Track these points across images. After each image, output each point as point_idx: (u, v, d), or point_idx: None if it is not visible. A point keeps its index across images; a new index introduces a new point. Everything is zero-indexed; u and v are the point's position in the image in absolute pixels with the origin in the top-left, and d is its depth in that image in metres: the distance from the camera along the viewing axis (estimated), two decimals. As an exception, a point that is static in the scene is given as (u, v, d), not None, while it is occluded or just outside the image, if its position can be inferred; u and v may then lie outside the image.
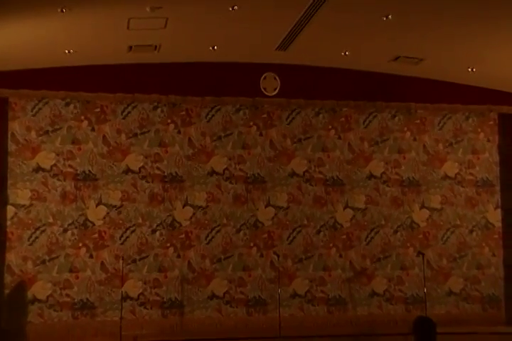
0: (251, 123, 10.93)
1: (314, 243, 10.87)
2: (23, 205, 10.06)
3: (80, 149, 10.32)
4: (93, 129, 10.42)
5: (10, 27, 8.34)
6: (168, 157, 10.59)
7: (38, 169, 10.16)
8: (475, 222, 11.41)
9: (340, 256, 10.93)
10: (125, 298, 10.05)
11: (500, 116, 11.71)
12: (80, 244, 10.17)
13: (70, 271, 10.09)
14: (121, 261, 10.00)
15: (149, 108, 10.62)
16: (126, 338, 9.57)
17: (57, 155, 10.24)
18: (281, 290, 10.30)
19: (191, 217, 10.55)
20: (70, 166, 10.26)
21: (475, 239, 11.38)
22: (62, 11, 7.94)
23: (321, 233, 10.91)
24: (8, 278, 9.89)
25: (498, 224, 11.46)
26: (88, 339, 9.93)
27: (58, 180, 10.21)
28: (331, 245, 10.91)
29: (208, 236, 10.57)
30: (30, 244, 10.02)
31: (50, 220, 10.12)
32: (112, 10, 8.23)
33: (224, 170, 10.73)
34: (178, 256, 10.44)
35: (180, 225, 10.51)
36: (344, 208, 11.04)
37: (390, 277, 11.03)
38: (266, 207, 10.81)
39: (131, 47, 9.74)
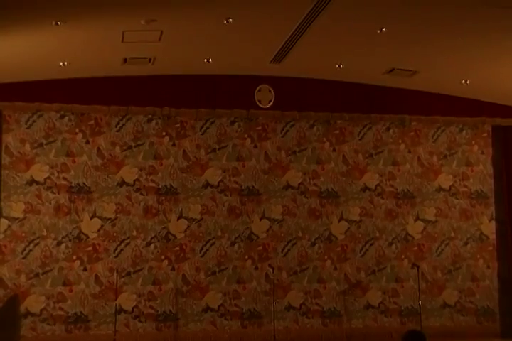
0: (245, 136, 10.94)
1: (309, 255, 10.85)
2: (17, 218, 10.03)
3: (74, 162, 10.30)
4: (87, 142, 10.41)
5: (4, 39, 8.34)
6: (162, 169, 10.58)
7: (32, 182, 10.14)
8: (469, 234, 11.42)
9: (335, 268, 10.91)
10: (119, 311, 10.02)
11: (494, 129, 11.74)
12: (74, 257, 10.13)
13: (64, 284, 10.05)
14: (115, 274, 9.99)
15: (144, 120, 10.63)
16: (120, 351, 9.55)
17: (52, 167, 10.23)
18: (276, 303, 10.27)
19: (186, 230, 10.53)
20: (64, 179, 10.24)
21: (469, 252, 11.38)
22: (57, 23, 7.95)
23: (316, 245, 10.90)
24: (1, 292, 9.84)
25: (493, 236, 11.47)
26: (82, 353, 9.91)
27: (52, 192, 10.19)
28: (326, 257, 10.90)
29: (202, 248, 10.55)
30: (24, 257, 9.98)
31: (44, 233, 10.08)
32: (106, 23, 8.24)
33: (218, 183, 10.73)
34: (173, 269, 10.41)
35: (175, 238, 10.49)
36: (339, 220, 11.04)
37: (385, 289, 11.02)
38: (261, 219, 10.79)
39: (125, 60, 9.73)
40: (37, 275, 9.99)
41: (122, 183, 10.43)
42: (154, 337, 10.18)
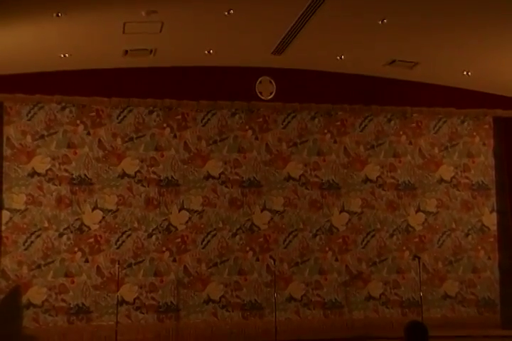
0: (247, 127, 10.93)
1: (310, 247, 10.86)
2: (19, 210, 10.04)
3: (75, 153, 10.31)
4: (89, 133, 10.41)
5: (5, 31, 8.33)
6: (163, 161, 10.58)
7: (34, 173, 10.15)
8: (470, 226, 11.42)
9: (336, 259, 10.93)
10: (121, 302, 10.05)
11: (495, 120, 11.73)
12: (76, 249, 10.15)
13: (66, 275, 10.07)
14: (116, 266, 10.00)
15: (145, 112, 10.62)
16: (121, 343, 9.59)
17: (53, 159, 10.24)
18: (277, 294, 10.25)
19: (187, 221, 10.55)
20: (66, 170, 10.25)
21: (470, 243, 11.39)
22: (57, 15, 7.96)
23: (317, 237, 10.91)
24: (3, 283, 9.87)
25: (494, 228, 11.48)
26: (84, 344, 9.96)
27: (54, 184, 10.20)
28: (327, 249, 10.91)
29: (203, 240, 10.56)
30: (26, 249, 10.00)
31: (46, 225, 10.10)
32: (107, 14, 8.24)
33: (220, 174, 10.73)
34: (174, 260, 10.43)
35: (176, 229, 10.50)
36: (340, 212, 11.04)
37: (386, 281, 11.03)
38: (262, 211, 10.80)
39: (126, 52, 9.74)
40: (39, 266, 10.01)
41: (123, 175, 10.44)
42: (156, 328, 10.21)
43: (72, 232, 10.17)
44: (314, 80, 11.01)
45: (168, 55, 10.03)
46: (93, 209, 10.29)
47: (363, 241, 11.06)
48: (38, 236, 10.06)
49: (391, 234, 11.16)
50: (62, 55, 9.55)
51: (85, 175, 10.31)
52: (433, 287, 11.13)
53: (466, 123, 11.67)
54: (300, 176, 11.00)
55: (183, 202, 10.56)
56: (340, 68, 10.85)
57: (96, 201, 10.30)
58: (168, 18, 8.48)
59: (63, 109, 10.37)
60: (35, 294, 9.95)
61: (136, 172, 10.48)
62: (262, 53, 10.12)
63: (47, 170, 10.20)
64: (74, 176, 10.28)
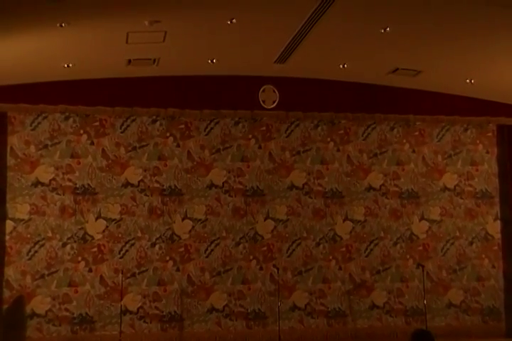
0: (250, 136, 10.94)
1: (314, 255, 10.85)
2: (22, 220, 10.05)
3: (79, 163, 10.32)
4: (92, 143, 10.43)
5: (9, 41, 8.35)
6: (167, 170, 10.58)
7: (37, 183, 10.16)
8: (474, 234, 11.40)
9: (340, 268, 10.91)
10: (124, 311, 10.04)
11: (498, 128, 11.72)
12: (79, 258, 10.15)
13: (69, 285, 10.07)
14: (120, 275, 10.00)
15: (148, 121, 10.63)
16: (125, 352, 9.57)
17: (57, 169, 10.25)
18: (281, 303, 10.27)
19: (190, 230, 10.54)
20: (69, 180, 10.26)
21: (474, 251, 11.36)
22: (61, 25, 7.97)
23: (321, 245, 10.90)
24: (6, 293, 9.86)
25: (498, 236, 11.45)
26: (87, 354, 9.93)
27: (57, 194, 10.21)
28: (331, 257, 10.90)
29: (207, 249, 10.55)
30: (29, 259, 10.01)
31: (49, 234, 10.10)
32: (110, 24, 8.26)
33: (223, 183, 10.73)
34: (178, 270, 10.42)
35: (180, 238, 10.49)
36: (343, 220, 11.03)
37: (390, 289, 11.00)
38: (265, 219, 10.79)
39: (130, 61, 9.75)
40: (42, 276, 10.01)
41: (127, 184, 10.44)
42: (159, 338, 10.19)
43: (75, 242, 10.17)
44: (317, 89, 11.02)
45: (172, 64, 10.05)
46: (96, 219, 10.29)
47: (367, 249, 11.04)
48: (42, 245, 10.06)
49: (395, 243, 11.14)
50: (66, 65, 9.57)
51: (89, 184, 10.32)
52: (437, 295, 11.10)
53: (469, 131, 11.66)
54: (303, 185, 10.99)
55: (186, 211, 10.56)
56: (343, 76, 10.86)
57: (99, 210, 10.30)
58: (171, 27, 8.49)
59: (67, 118, 10.38)
60: (39, 304, 9.94)
61: (139, 182, 10.48)
62: (265, 62, 10.13)
63: (50, 180, 10.21)
64: (77, 186, 10.29)
